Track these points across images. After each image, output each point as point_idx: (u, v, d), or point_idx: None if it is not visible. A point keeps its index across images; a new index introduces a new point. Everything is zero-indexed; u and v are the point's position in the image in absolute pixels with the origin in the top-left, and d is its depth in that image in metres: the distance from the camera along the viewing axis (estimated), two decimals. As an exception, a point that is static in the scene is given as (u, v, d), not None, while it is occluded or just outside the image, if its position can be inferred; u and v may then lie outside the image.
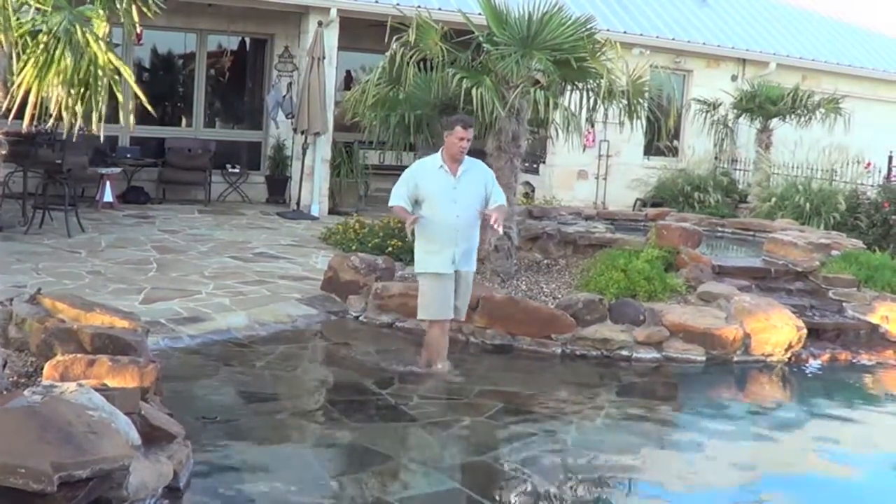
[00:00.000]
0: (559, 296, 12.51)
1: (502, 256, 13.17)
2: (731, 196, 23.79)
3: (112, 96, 7.44)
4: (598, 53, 12.96)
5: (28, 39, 7.19)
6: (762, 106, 23.21)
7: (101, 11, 7.41)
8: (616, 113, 13.77)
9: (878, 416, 10.68)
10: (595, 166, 23.99)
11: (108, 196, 19.20)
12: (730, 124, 24.82)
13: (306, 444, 8.29)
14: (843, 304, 13.32)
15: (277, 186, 22.14)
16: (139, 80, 8.34)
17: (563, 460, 8.42)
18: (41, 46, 7.05)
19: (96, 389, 6.37)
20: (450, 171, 10.13)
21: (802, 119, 23.00)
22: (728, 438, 9.36)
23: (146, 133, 20.68)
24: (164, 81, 23.32)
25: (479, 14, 13.39)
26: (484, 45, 12.71)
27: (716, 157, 24.93)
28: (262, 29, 22.30)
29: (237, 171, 22.08)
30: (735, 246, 16.92)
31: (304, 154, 20.64)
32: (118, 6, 7.48)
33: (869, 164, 21.59)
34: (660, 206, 20.57)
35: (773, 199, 20.80)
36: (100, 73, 7.19)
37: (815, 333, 12.39)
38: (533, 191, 23.36)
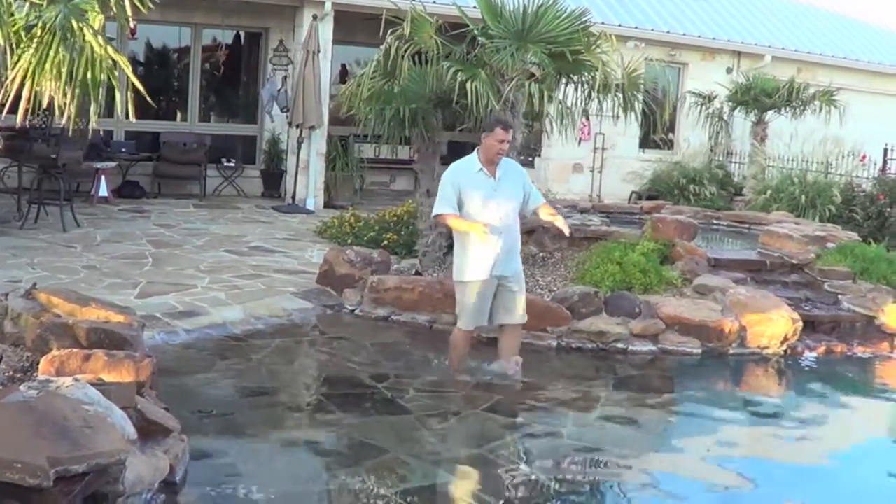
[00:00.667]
0: (555, 289, 12.50)
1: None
2: (727, 189, 23.80)
3: (109, 90, 7.44)
4: (594, 46, 12.95)
5: (23, 34, 7.18)
6: (757, 98, 23.21)
7: (95, 5, 7.41)
8: (611, 106, 13.75)
9: (872, 407, 10.72)
10: (590, 159, 24.00)
11: (104, 191, 19.20)
12: (725, 117, 24.84)
13: (302, 437, 8.28)
14: (839, 296, 13.33)
15: (273, 180, 22.13)
16: (134, 75, 8.31)
17: (559, 453, 8.43)
18: (36, 41, 7.04)
19: (92, 384, 6.36)
20: (489, 173, 9.74)
21: (797, 111, 22.99)
22: (724, 431, 9.37)
23: (141, 127, 20.65)
24: (159, 76, 23.30)
25: (474, 7, 13.39)
26: (479, 38, 12.71)
27: (711, 150, 24.96)
28: (256, 23, 22.29)
29: (232, 165, 22.06)
30: (730, 238, 16.92)
31: (299, 148, 20.65)
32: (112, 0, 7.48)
33: (864, 157, 21.62)
34: (655, 199, 20.57)
35: (769, 192, 20.79)
36: (97, 66, 7.18)
37: (810, 326, 12.40)
38: (528, 184, 23.33)
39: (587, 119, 14.61)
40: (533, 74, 12.51)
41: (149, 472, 6.24)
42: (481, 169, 9.72)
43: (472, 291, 9.68)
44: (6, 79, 7.06)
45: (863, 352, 12.29)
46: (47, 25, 6.97)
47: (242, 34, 23.42)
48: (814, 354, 12.00)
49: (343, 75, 23.71)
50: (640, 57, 15.05)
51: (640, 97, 14.00)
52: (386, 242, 15.32)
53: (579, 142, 20.58)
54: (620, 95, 13.53)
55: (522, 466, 7.94)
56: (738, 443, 9.13)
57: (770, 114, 23.47)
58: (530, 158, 23.51)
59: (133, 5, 7.57)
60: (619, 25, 23.22)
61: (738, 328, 11.67)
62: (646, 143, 23.98)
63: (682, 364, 11.33)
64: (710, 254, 13.67)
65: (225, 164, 21.99)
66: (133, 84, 7.68)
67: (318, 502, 6.83)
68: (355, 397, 9.38)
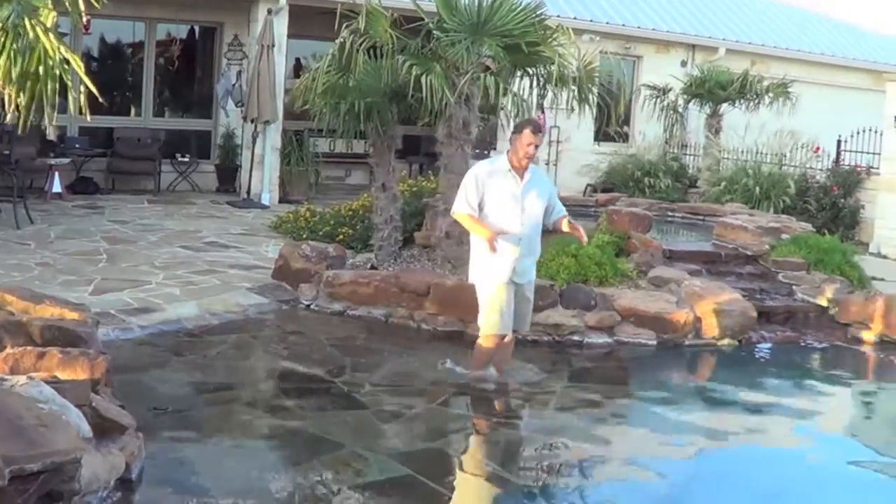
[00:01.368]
0: (511, 282, 12.53)
1: (453, 243, 13.15)
2: (682, 181, 23.89)
3: (62, 87, 7.40)
4: (550, 39, 12.96)
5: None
6: (712, 91, 23.27)
7: (48, 1, 7.37)
8: (566, 99, 13.77)
9: (825, 395, 10.79)
10: (545, 152, 23.99)
11: (57, 187, 19.07)
12: (679, 110, 24.87)
13: (258, 433, 8.26)
14: (793, 286, 13.43)
15: (227, 175, 22.04)
16: (88, 71, 8.26)
17: (516, 445, 8.47)
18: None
19: (47, 382, 6.34)
20: (519, 176, 9.33)
21: (752, 104, 23.08)
22: (678, 421, 9.41)
23: (95, 123, 20.44)
24: (113, 71, 23.11)
25: (429, 1, 13.37)
26: (434, 31, 12.69)
27: (666, 143, 25.02)
28: (211, 17, 22.18)
29: (187, 160, 21.94)
30: (685, 230, 17.02)
31: (253, 142, 20.59)
32: (65, -5, 7.44)
33: (818, 149, 21.78)
34: (610, 192, 20.65)
35: (723, 184, 20.92)
36: (50, 64, 7.14)
37: (765, 316, 12.50)
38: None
39: (542, 112, 14.63)
40: (488, 67, 12.50)
41: (104, 470, 6.22)
42: (510, 170, 9.34)
43: (498, 293, 9.39)
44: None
45: (816, 341, 12.39)
46: (1, 25, 6.92)
47: (197, 29, 23.29)
48: (768, 345, 12.09)
49: (298, 70, 23.63)
50: (596, 50, 15.12)
51: (595, 90, 14.01)
52: (341, 237, 15.32)
53: (535, 135, 20.56)
54: (576, 88, 13.55)
55: (479, 459, 7.96)
56: (692, 432, 9.16)
57: (724, 106, 23.53)
58: (486, 152, 23.47)
59: (86, 1, 7.53)
60: (575, 18, 23.25)
61: (693, 319, 11.74)
62: (601, 136, 23.97)
63: (637, 356, 11.38)
64: (666, 246, 13.76)
65: (179, 159, 21.87)
66: (87, 81, 7.64)
67: (275, 497, 6.80)
68: (311, 392, 9.38)
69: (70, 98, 7.56)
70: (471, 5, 12.60)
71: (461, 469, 7.82)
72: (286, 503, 6.72)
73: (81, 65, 7.84)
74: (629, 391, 10.45)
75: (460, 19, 12.47)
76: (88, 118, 8.05)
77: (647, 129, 24.83)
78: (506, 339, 9.69)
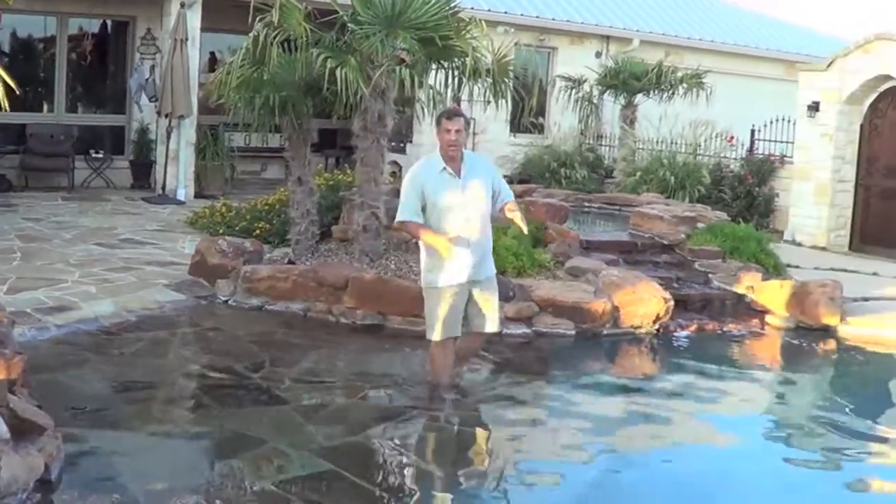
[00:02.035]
0: (429, 274, 12.55)
1: (371, 236, 13.16)
2: (598, 171, 24.04)
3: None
4: (463, 32, 12.98)
5: None
6: (626, 82, 23.41)
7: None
8: (482, 91, 13.79)
9: (742, 382, 10.91)
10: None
11: (-31, 185, 18.86)
12: (594, 101, 25.06)
13: (178, 430, 8.21)
14: (709, 275, 13.58)
15: (142, 171, 21.83)
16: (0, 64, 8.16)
17: (438, 438, 8.49)
18: None
19: (-39, 383, 6.26)
20: (453, 172, 8.86)
21: (666, 95, 23.24)
22: (596, 410, 9.51)
23: (6, 119, 20.14)
24: (25, 66, 22.75)
25: (344, -7, 13.35)
26: (348, 24, 12.67)
27: (581, 134, 25.18)
28: (123, 11, 21.95)
29: (101, 156, 21.71)
30: (602, 221, 17.13)
31: (168, 138, 20.42)
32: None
33: (732, 138, 21.99)
34: (527, 183, 20.69)
35: (639, 174, 21.06)
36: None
37: (682, 305, 12.61)
38: (400, 170, 23.26)
39: (458, 104, 14.65)
40: (403, 60, 12.51)
41: (23, 472, 6.16)
42: (444, 168, 8.88)
43: (445, 299, 8.89)
44: None
45: (733, 329, 12.52)
46: None
47: (109, 23, 23.02)
48: (686, 333, 12.20)
49: (212, 63, 23.50)
50: (510, 42, 15.14)
51: (510, 82, 14.04)
52: (258, 232, 15.25)
53: (450, 127, 20.59)
54: (491, 80, 13.58)
55: (400, 452, 7.96)
56: (608, 420, 9.25)
57: (639, 97, 23.69)
58: (402, 144, 23.53)
59: (-5, -6, 7.45)
60: (489, 10, 23.33)
61: (610, 309, 11.81)
62: (516, 127, 24.05)
63: (556, 346, 11.43)
64: (582, 236, 13.85)
65: (93, 155, 21.63)
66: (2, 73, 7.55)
67: (196, 496, 6.75)
68: (231, 389, 9.34)
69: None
70: (386, -2, 12.59)
71: (383, 462, 7.82)
72: (208, 501, 6.67)
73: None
74: (547, 381, 10.48)
75: (374, 12, 12.45)
76: (7, 110, 7.95)
77: (562, 121, 24.93)
78: (473, 342, 9.40)
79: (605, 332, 11.82)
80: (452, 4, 12.81)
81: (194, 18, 20.40)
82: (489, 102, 13.78)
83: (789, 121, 20.52)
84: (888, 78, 18.39)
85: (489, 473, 7.92)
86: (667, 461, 8.29)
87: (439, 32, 12.45)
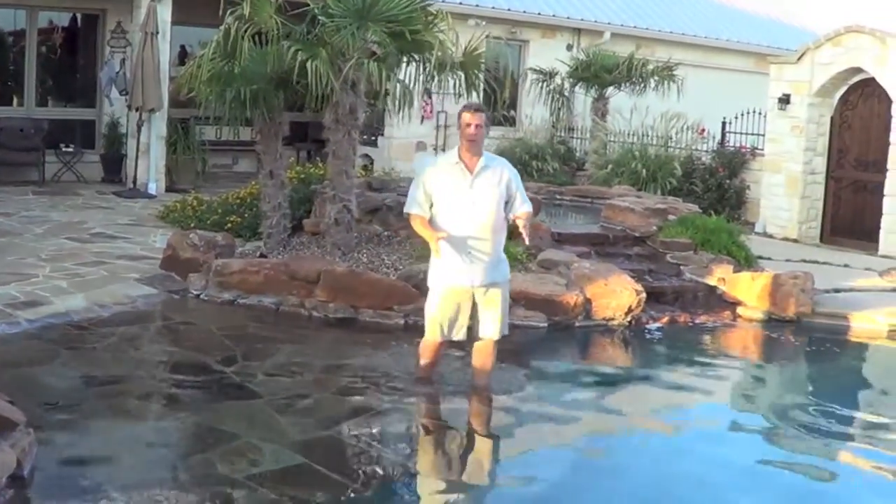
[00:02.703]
0: (400, 267, 12.56)
1: (342, 230, 13.16)
2: (569, 164, 24.11)
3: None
4: (432, 25, 12.97)
5: None
6: (597, 75, 23.46)
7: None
8: (454, 84, 13.79)
9: (713, 372, 10.95)
10: (433, 137, 24.06)
11: (-62, 180, 18.76)
12: (566, 93, 25.10)
13: (151, 425, 8.18)
14: (681, 267, 13.61)
15: (113, 165, 21.72)
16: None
17: (410, 432, 8.49)
18: None
19: (-69, 379, 6.24)
20: (467, 167, 8.72)
21: (637, 87, 23.29)
22: (568, 401, 9.53)
23: (-25, 113, 20.21)
24: (-6, 60, 22.76)
25: (315, -14, 13.32)
26: (319, 17, 12.64)
27: (553, 126, 25.20)
28: (93, 4, 21.84)
29: (71, 150, 21.56)
30: (574, 213, 17.17)
31: (139, 131, 20.32)
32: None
33: (703, 131, 22.07)
34: (498, 176, 20.66)
35: (610, 167, 21.10)
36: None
37: (654, 297, 12.65)
38: (372, 163, 23.33)
39: (429, 97, 14.65)
40: (374, 53, 12.50)
41: (-6, 468, 6.13)
42: (458, 161, 8.76)
43: (439, 299, 8.78)
44: None
45: (705, 320, 12.58)
46: None
47: (79, 16, 22.90)
48: (658, 325, 12.25)
49: (183, 57, 23.37)
50: (482, 35, 15.10)
51: (481, 75, 14.04)
52: (230, 225, 15.24)
53: (422, 120, 20.74)
54: (461, 73, 13.57)
55: (373, 445, 7.96)
56: (581, 409, 9.28)
57: (610, 90, 23.75)
58: (373, 137, 23.53)
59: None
60: (460, 3, 23.34)
61: (583, 301, 11.85)
62: (488, 120, 24.02)
63: (529, 338, 11.41)
64: (554, 229, 13.91)
65: (64, 149, 21.46)
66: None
67: (169, 490, 6.73)
68: (204, 383, 9.30)
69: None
70: (356, -10, 12.57)
71: (355, 456, 7.81)
72: (181, 496, 6.65)
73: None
74: (521, 374, 10.47)
75: (346, 5, 12.42)
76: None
77: (533, 113, 25.00)
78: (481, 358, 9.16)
79: (577, 324, 11.86)
80: (423, -3, 12.82)
81: (165, 11, 20.31)
82: (461, 95, 13.77)
83: (760, 113, 20.61)
84: (858, 70, 18.49)
85: (460, 466, 7.93)
86: (637, 452, 8.30)
87: (409, 26, 12.44)
